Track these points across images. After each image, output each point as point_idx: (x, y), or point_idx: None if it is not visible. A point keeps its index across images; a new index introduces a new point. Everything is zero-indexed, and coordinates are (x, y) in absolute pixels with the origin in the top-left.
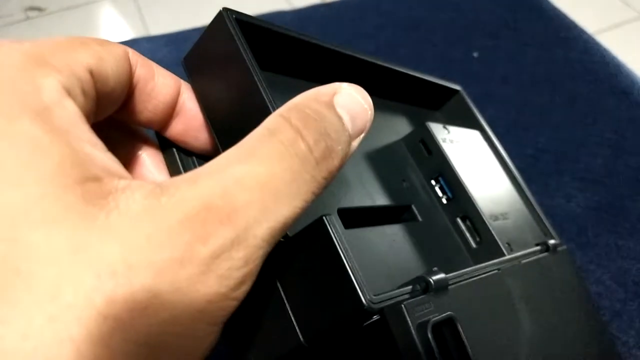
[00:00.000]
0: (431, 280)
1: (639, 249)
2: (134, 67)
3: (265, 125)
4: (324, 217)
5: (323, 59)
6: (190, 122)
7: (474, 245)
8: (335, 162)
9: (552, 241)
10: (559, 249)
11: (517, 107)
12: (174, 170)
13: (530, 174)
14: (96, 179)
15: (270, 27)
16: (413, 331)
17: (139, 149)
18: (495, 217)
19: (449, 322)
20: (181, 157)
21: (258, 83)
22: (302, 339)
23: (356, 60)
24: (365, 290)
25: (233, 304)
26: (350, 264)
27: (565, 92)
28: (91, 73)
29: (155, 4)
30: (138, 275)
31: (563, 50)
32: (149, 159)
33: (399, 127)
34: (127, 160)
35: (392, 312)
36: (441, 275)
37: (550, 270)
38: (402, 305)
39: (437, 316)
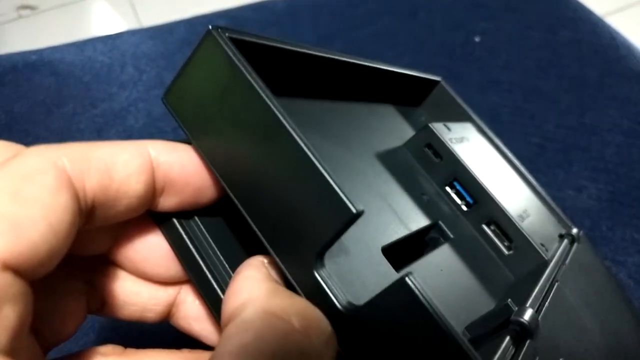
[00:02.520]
0: (526, 323)
1: None
2: (84, 201)
3: None
4: (406, 281)
5: (319, 68)
6: (184, 191)
7: (505, 251)
8: None
9: (574, 230)
10: (580, 235)
11: (522, 93)
12: (176, 243)
13: (537, 164)
14: None
15: (273, 44)
16: None
17: (123, 231)
18: (521, 217)
19: None
20: (183, 225)
21: (279, 115)
22: None
23: (325, 60)
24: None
25: None
26: (455, 333)
27: (573, 76)
28: (9, 268)
29: None
30: None
31: (569, 32)
32: (140, 241)
33: (394, 131)
34: (117, 247)
35: None
36: (531, 312)
37: (584, 262)
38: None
39: None
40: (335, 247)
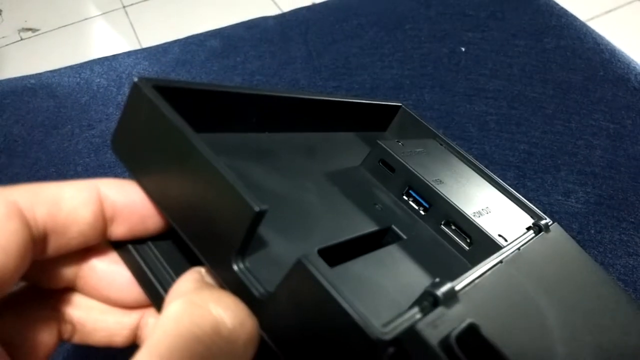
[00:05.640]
0: (438, 292)
1: None
2: (35, 227)
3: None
4: (301, 260)
5: (251, 105)
6: (131, 219)
7: (466, 247)
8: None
9: (542, 221)
10: (551, 226)
11: (508, 101)
12: (133, 267)
13: (524, 170)
14: None
15: (192, 87)
16: (438, 351)
17: (85, 262)
18: (479, 213)
19: (472, 331)
20: (137, 250)
21: (197, 147)
22: None
23: (290, 100)
24: (370, 323)
25: None
26: (344, 301)
27: (558, 82)
28: None
29: (147, 18)
30: None
31: (554, 38)
32: (102, 269)
33: (355, 156)
34: (82, 278)
35: (408, 338)
36: (447, 285)
37: (552, 249)
38: (417, 328)
39: (457, 328)
40: (271, 250)
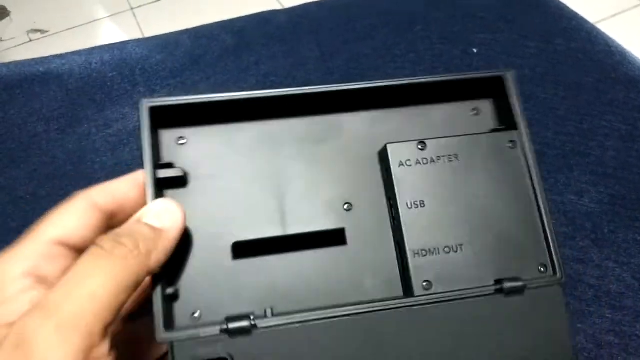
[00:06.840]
0: (231, 325)
1: None
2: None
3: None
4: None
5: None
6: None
7: (402, 271)
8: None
9: (510, 284)
10: (534, 288)
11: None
12: None
13: None
14: None
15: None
16: None
17: None
18: (430, 251)
19: None
20: None
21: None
22: None
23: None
24: (160, 324)
25: None
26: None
27: (570, 84)
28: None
29: (154, 19)
30: None
31: (565, 41)
32: None
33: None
34: None
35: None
36: (245, 322)
37: (483, 317)
38: (174, 343)
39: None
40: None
